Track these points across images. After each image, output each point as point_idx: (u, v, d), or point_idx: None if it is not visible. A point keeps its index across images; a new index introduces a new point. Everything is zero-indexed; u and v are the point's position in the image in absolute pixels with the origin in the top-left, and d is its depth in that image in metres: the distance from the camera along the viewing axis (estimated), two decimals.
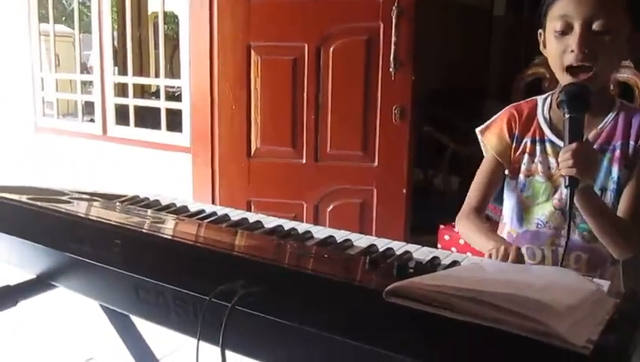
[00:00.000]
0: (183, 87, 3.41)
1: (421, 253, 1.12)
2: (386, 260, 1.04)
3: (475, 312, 0.70)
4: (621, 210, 1.32)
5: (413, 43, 2.69)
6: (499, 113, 1.49)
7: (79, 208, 1.31)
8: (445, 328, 0.72)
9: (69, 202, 1.33)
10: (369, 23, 2.71)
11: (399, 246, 1.14)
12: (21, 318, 2.53)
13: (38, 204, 1.24)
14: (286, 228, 1.24)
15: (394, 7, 2.65)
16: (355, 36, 2.74)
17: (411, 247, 1.14)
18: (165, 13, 3.84)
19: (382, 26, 2.69)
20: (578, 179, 1.17)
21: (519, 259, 1.15)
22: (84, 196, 1.43)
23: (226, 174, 3.05)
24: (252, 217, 1.31)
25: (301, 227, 1.25)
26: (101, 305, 1.40)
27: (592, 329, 0.68)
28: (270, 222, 1.29)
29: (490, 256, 1.18)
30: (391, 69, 2.70)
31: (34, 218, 1.22)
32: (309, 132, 2.86)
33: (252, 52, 2.88)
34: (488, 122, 1.50)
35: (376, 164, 2.82)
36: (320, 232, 1.22)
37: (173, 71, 4.75)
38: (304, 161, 2.90)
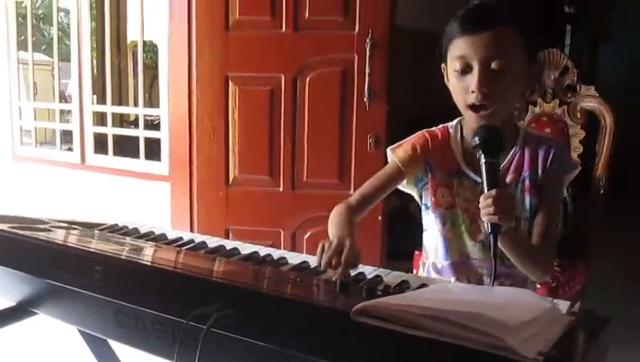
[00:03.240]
0: (162, 116, 3.44)
1: (391, 277, 1.17)
2: (357, 284, 1.09)
3: (438, 330, 0.74)
4: (534, 236, 1.39)
5: (387, 73, 2.76)
6: (412, 136, 1.53)
7: (59, 236, 1.33)
8: (411, 344, 0.76)
9: (49, 230, 1.35)
10: (344, 55, 2.78)
11: (370, 271, 1.19)
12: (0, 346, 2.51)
13: (18, 231, 1.26)
14: (262, 254, 1.28)
15: (367, 40, 2.72)
16: (330, 67, 2.81)
17: (382, 272, 1.19)
18: (145, 43, 3.89)
19: (356, 57, 2.76)
20: (500, 225, 1.21)
21: (353, 255, 1.16)
22: (64, 225, 1.46)
23: (205, 202, 3.07)
24: (229, 244, 1.35)
25: (276, 253, 1.29)
26: (79, 330, 1.42)
27: (545, 344, 0.73)
28: (246, 248, 1.33)
29: (322, 248, 1.17)
30: (365, 99, 2.77)
31: (14, 245, 1.24)
32: (286, 160, 2.90)
33: (230, 82, 2.92)
34: (400, 142, 1.53)
35: (352, 191, 2.85)
36: (294, 258, 1.26)
37: (152, 100, 4.77)
38: (281, 189, 2.93)
